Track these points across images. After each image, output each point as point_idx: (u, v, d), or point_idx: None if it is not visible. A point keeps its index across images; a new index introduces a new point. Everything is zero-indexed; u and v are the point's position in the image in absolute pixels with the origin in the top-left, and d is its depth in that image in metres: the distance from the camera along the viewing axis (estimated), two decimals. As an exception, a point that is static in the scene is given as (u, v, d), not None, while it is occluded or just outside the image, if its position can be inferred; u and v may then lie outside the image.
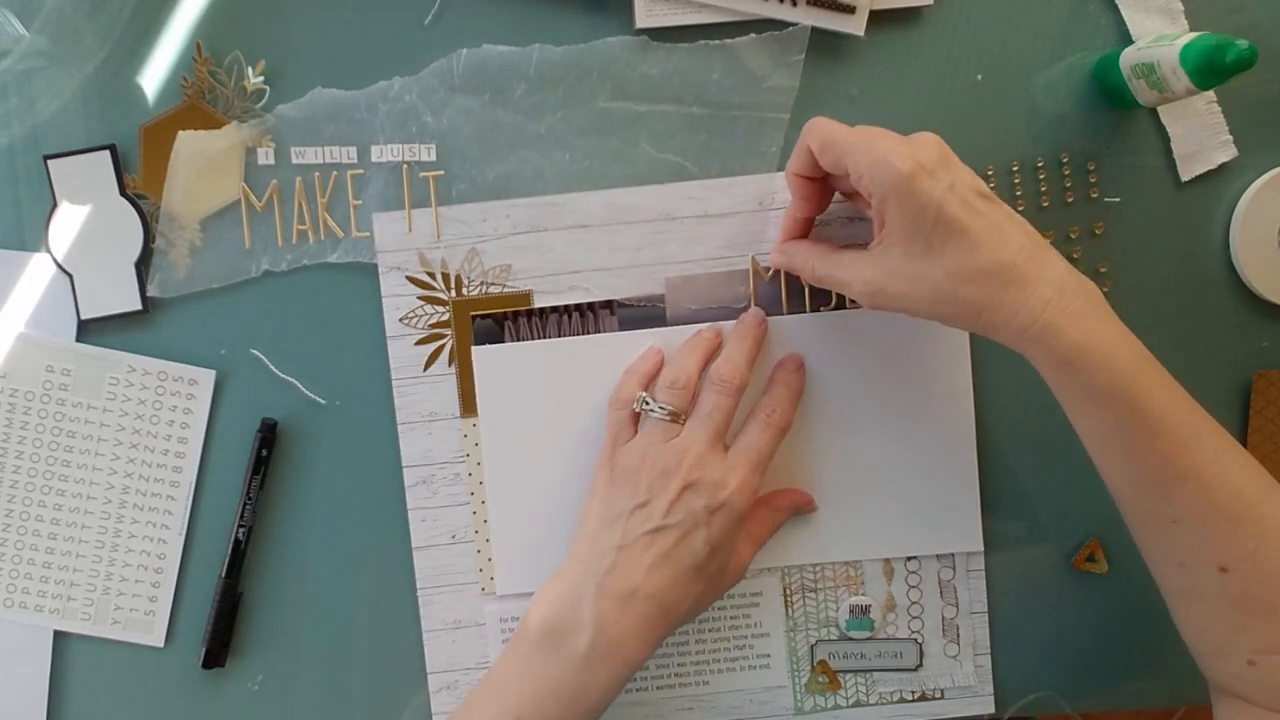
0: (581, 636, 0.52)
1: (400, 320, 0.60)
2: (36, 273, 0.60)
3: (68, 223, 0.59)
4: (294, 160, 0.60)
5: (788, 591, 0.62)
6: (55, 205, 0.59)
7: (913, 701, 0.63)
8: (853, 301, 0.60)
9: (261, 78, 0.59)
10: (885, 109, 0.61)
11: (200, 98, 0.59)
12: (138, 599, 0.61)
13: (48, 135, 0.59)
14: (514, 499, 0.61)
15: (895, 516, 0.61)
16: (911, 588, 0.62)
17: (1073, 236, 0.61)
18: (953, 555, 0.62)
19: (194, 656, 0.61)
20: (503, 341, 0.61)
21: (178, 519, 0.61)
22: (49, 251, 0.59)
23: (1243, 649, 0.49)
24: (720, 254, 0.61)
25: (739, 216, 0.61)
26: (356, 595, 0.62)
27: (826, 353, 0.60)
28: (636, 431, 0.57)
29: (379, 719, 0.62)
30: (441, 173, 0.60)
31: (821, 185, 0.56)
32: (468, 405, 0.60)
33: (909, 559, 0.62)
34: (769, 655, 0.62)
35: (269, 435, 0.60)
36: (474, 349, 0.60)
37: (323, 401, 0.61)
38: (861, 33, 0.59)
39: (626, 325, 0.61)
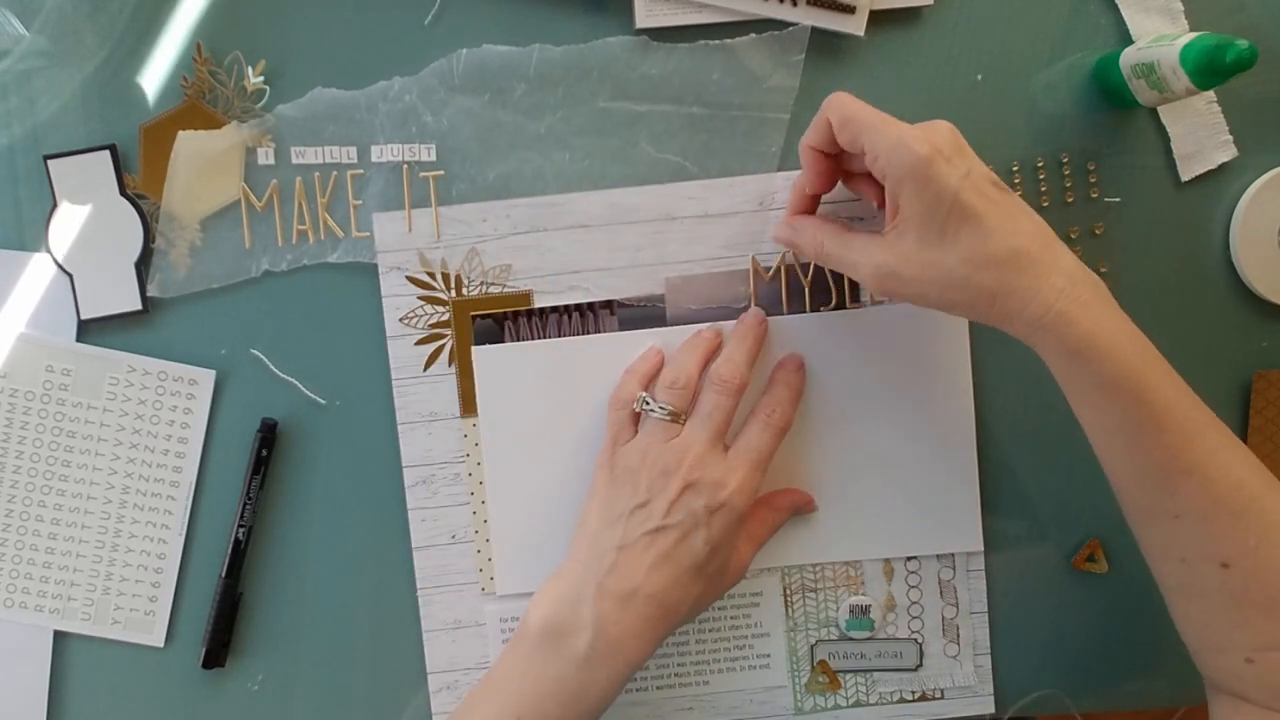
0: (581, 636, 0.52)
1: (400, 320, 0.60)
2: (36, 273, 0.60)
3: (68, 223, 0.59)
4: (294, 160, 0.60)
5: (788, 591, 0.62)
6: (55, 205, 0.59)
7: (913, 701, 0.63)
8: (853, 301, 0.61)
9: (261, 78, 0.59)
10: (885, 109, 0.60)
11: (200, 98, 0.59)
12: (138, 599, 0.61)
13: (48, 135, 0.59)
14: (514, 499, 0.61)
15: (895, 516, 0.61)
16: (911, 588, 0.62)
17: (1073, 236, 0.61)
18: (953, 555, 0.62)
19: (194, 656, 0.61)
20: (503, 341, 0.61)
21: (178, 519, 0.61)
22: (49, 251, 0.59)
23: (1242, 646, 0.49)
24: (720, 254, 0.61)
25: (739, 216, 0.61)
26: (356, 595, 0.62)
27: (826, 353, 0.60)
28: (636, 431, 0.57)
29: (379, 719, 0.62)
30: (441, 173, 0.60)
31: (834, 162, 0.55)
32: (468, 405, 0.60)
33: (909, 559, 0.62)
34: (769, 655, 0.62)
35: (269, 435, 0.60)
36: (474, 349, 0.60)
37: (323, 401, 0.61)
38: (861, 33, 0.59)
39: (626, 325, 0.61)
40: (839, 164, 0.56)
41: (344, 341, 0.61)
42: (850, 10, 0.59)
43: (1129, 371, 0.48)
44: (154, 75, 0.59)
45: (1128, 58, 0.58)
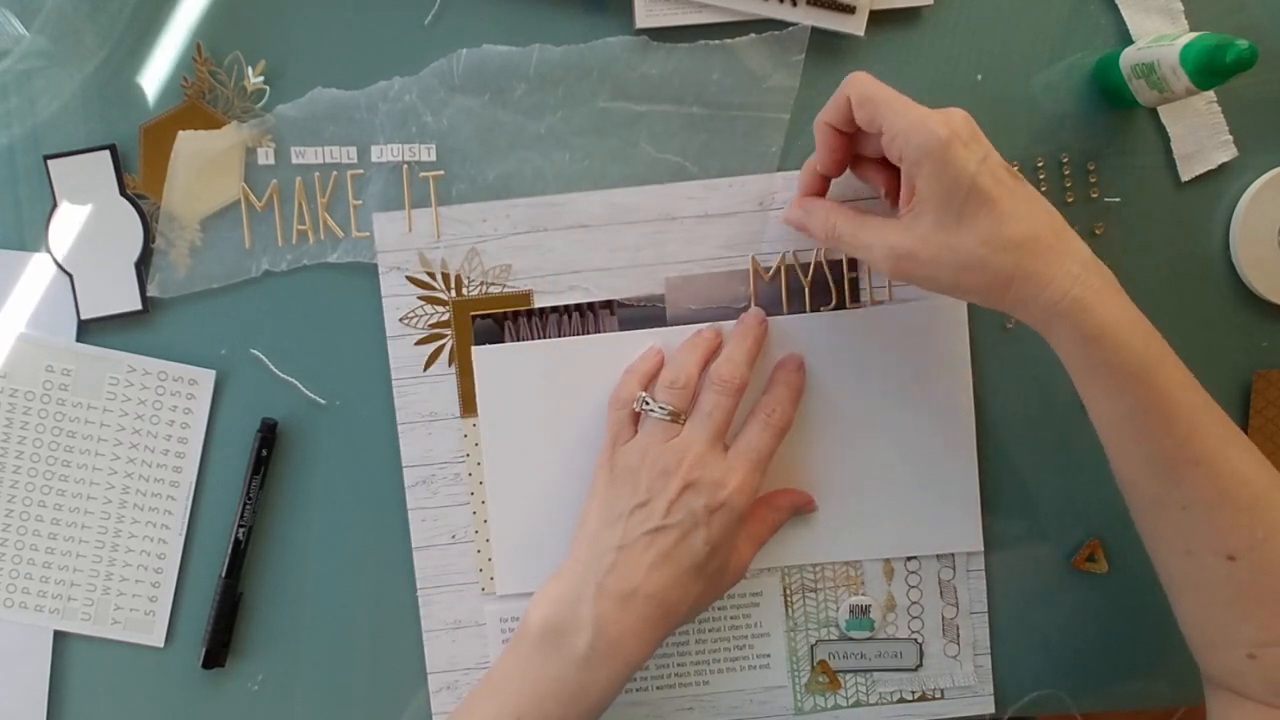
0: (581, 636, 0.52)
1: (400, 320, 0.60)
2: (36, 273, 0.60)
3: (68, 223, 0.59)
4: (294, 160, 0.60)
5: (788, 591, 0.62)
6: (55, 205, 0.59)
7: (913, 701, 0.63)
8: (853, 301, 0.61)
9: (261, 78, 0.59)
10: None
11: (200, 98, 0.59)
12: (138, 599, 0.61)
13: (48, 135, 0.59)
14: (514, 499, 0.61)
15: (895, 516, 0.61)
16: (911, 588, 0.62)
17: (1073, 236, 0.61)
18: (953, 555, 0.62)
19: (194, 656, 0.61)
20: (503, 341, 0.61)
21: (178, 519, 0.61)
22: (49, 251, 0.59)
23: (1244, 641, 0.49)
24: (720, 254, 0.61)
25: (739, 216, 0.61)
26: (356, 595, 0.62)
27: (826, 353, 0.60)
28: (636, 431, 0.57)
29: (379, 719, 0.62)
30: (441, 173, 0.60)
31: (847, 141, 0.55)
32: (468, 405, 0.60)
33: (909, 559, 0.62)
34: (769, 655, 0.62)
35: (269, 435, 0.60)
36: (474, 349, 0.60)
37: (323, 401, 0.61)
38: (861, 33, 0.59)
39: (626, 325, 0.61)
40: (851, 145, 0.55)
41: (344, 341, 0.61)
42: (850, 10, 0.59)
43: (1141, 360, 0.48)
44: (154, 75, 0.59)
45: (1128, 58, 0.58)
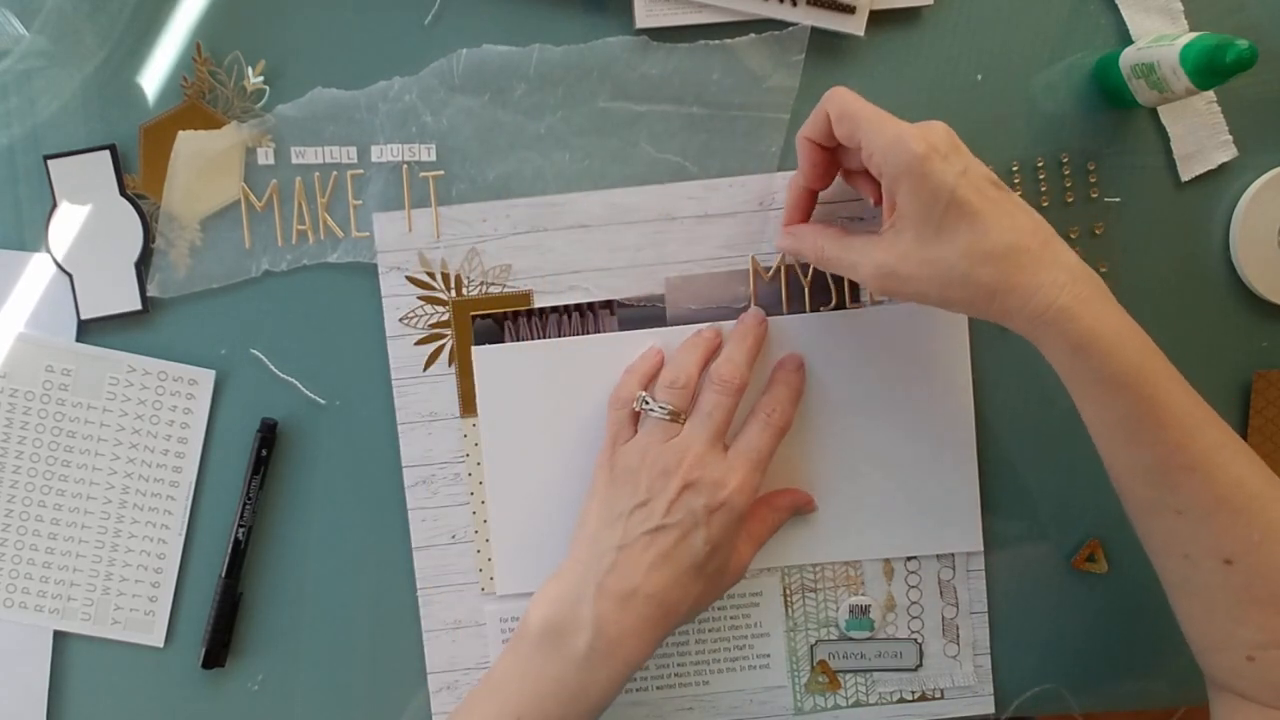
0: (581, 636, 0.52)
1: (400, 320, 0.60)
2: (36, 273, 0.60)
3: (68, 223, 0.59)
4: (294, 160, 0.60)
5: (788, 591, 0.62)
6: (55, 205, 0.59)
7: (913, 701, 0.63)
8: (853, 300, 0.61)
9: (261, 78, 0.59)
10: (885, 109, 0.60)
11: (200, 98, 0.59)
12: (138, 599, 0.61)
13: (48, 135, 0.59)
14: (514, 499, 0.61)
15: (895, 516, 0.61)
16: (911, 588, 0.62)
17: (1073, 236, 0.61)
18: (953, 555, 0.62)
19: (194, 656, 0.61)
20: (503, 341, 0.61)
21: (178, 519, 0.61)
22: (49, 251, 0.59)
23: (1243, 643, 0.49)
24: (720, 254, 0.61)
25: (739, 216, 0.61)
26: (356, 595, 0.62)
27: (826, 353, 0.60)
28: (636, 431, 0.57)
29: (379, 719, 0.62)
30: (441, 173, 0.60)
31: (830, 156, 0.55)
32: (468, 405, 0.60)
33: (909, 559, 0.62)
34: (769, 655, 0.62)
35: (269, 435, 0.60)
36: (474, 349, 0.60)
37: (323, 401, 0.61)
38: (861, 33, 0.59)
39: (626, 325, 0.61)
40: (835, 159, 0.56)
41: (344, 341, 0.61)
42: (850, 10, 0.59)
43: (1131, 367, 0.48)
44: (154, 75, 0.59)
45: (1128, 58, 0.58)
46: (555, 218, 0.60)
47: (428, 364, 0.60)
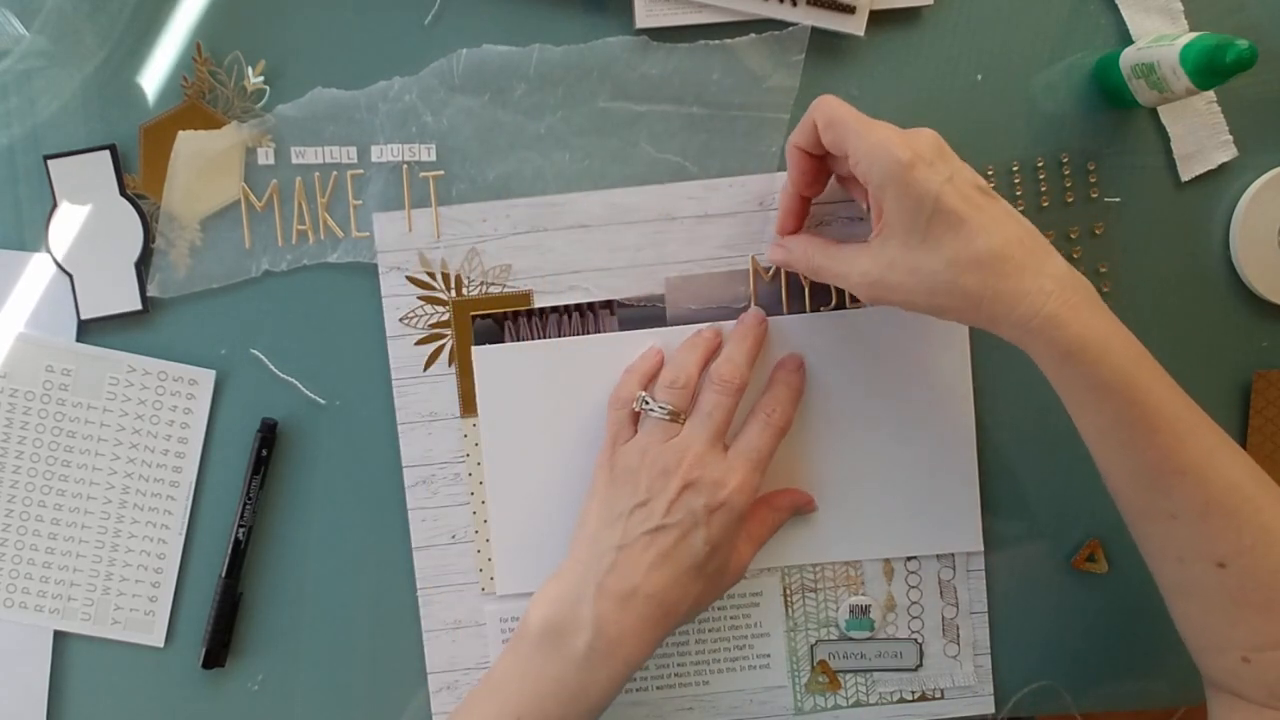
0: (581, 636, 0.52)
1: (400, 320, 0.60)
2: (36, 273, 0.60)
3: (68, 223, 0.59)
4: (294, 160, 0.60)
5: (788, 591, 0.62)
6: (55, 205, 0.59)
7: (913, 701, 0.63)
8: (853, 301, 0.61)
9: (261, 78, 0.59)
10: (885, 109, 0.61)
11: (200, 98, 0.59)
12: (138, 599, 0.61)
13: (48, 135, 0.59)
14: (514, 499, 0.61)
15: (895, 516, 0.61)
16: (911, 588, 0.62)
17: (1073, 236, 0.61)
18: (953, 555, 0.62)
19: (194, 656, 0.61)
20: (503, 341, 0.61)
21: (178, 519, 0.61)
22: (49, 251, 0.59)
23: (1239, 645, 0.49)
24: (720, 254, 0.61)
25: (739, 216, 0.61)
26: (356, 595, 0.62)
27: (826, 353, 0.60)
28: (636, 431, 0.57)
29: (379, 719, 0.62)
30: (441, 173, 0.60)
31: (820, 164, 0.55)
32: (468, 405, 0.60)
33: (909, 559, 0.62)
34: (769, 655, 0.62)
35: (269, 435, 0.60)
36: (474, 349, 0.60)
37: (323, 401, 0.61)
38: (861, 33, 0.59)
39: (626, 325, 0.61)
40: (824, 167, 0.56)
41: (344, 341, 0.61)
42: (850, 10, 0.59)
43: (1120, 373, 0.48)
44: (154, 75, 0.59)
45: (1128, 58, 0.58)
46: (555, 218, 0.60)
47: (428, 364, 0.60)
